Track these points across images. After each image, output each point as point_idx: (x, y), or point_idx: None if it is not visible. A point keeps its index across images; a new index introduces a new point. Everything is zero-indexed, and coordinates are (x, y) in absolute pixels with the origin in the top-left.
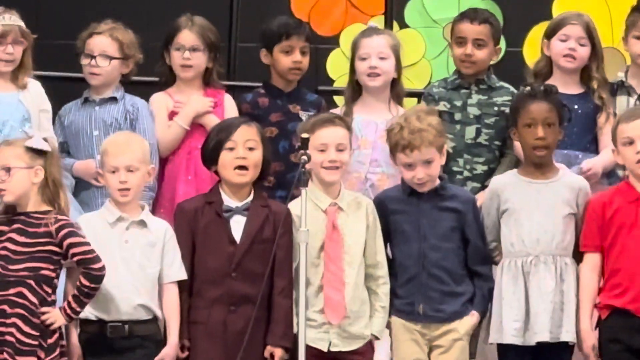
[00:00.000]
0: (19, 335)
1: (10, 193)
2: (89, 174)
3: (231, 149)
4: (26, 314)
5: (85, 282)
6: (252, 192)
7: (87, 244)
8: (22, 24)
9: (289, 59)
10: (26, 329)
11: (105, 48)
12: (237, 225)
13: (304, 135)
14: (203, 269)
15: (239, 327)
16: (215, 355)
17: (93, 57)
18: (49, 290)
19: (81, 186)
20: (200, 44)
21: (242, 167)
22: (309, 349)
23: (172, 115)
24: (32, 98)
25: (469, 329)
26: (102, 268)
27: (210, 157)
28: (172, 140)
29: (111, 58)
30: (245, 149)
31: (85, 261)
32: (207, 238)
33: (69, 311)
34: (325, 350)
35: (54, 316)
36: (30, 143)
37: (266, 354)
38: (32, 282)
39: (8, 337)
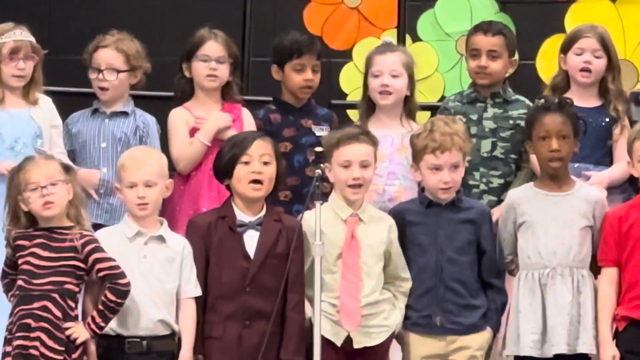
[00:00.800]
0: (43, 350)
1: (57, 206)
2: (90, 184)
3: (246, 162)
4: (51, 328)
5: (112, 297)
6: (265, 206)
7: (113, 259)
8: (32, 39)
9: (300, 77)
10: (50, 343)
11: (111, 61)
12: (251, 240)
13: (318, 149)
14: (217, 284)
15: (254, 342)
16: None
17: (100, 71)
18: (72, 305)
19: None
20: (226, 55)
21: (257, 182)
22: (324, 347)
23: (192, 131)
24: (43, 114)
25: (483, 344)
26: (128, 284)
27: (224, 170)
28: (194, 157)
29: (118, 71)
30: (260, 163)
31: (112, 276)
32: (221, 253)
33: (93, 326)
34: (339, 344)
35: (79, 331)
36: (63, 160)
37: None
38: (56, 295)
39: (32, 351)
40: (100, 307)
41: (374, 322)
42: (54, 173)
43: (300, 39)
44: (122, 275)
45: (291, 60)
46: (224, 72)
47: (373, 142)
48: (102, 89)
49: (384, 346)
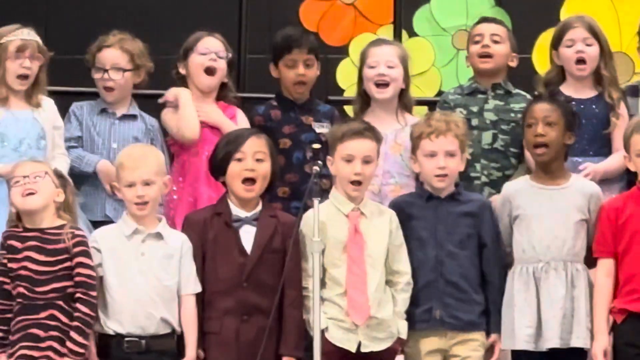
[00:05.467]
0: (56, 357)
1: (39, 197)
2: (108, 179)
3: (240, 159)
4: (61, 335)
5: (86, 310)
6: (260, 202)
7: (94, 270)
8: (39, 40)
9: (292, 72)
10: (63, 350)
11: (116, 60)
12: (247, 236)
13: (316, 146)
14: (214, 280)
15: (251, 337)
16: None
17: (105, 70)
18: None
19: (84, 192)
20: (224, 53)
21: (249, 180)
22: (333, 350)
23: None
24: (46, 115)
25: (484, 343)
26: (96, 297)
27: (218, 167)
28: (194, 120)
29: (124, 70)
30: (253, 160)
31: (88, 286)
32: (217, 249)
33: (75, 347)
34: (354, 351)
35: None
36: (55, 165)
37: None
38: (61, 302)
39: None
40: (77, 324)
41: (382, 328)
42: (40, 168)
43: (291, 33)
44: (95, 288)
45: (283, 56)
46: (223, 67)
47: (377, 138)
48: (107, 88)
49: (390, 352)
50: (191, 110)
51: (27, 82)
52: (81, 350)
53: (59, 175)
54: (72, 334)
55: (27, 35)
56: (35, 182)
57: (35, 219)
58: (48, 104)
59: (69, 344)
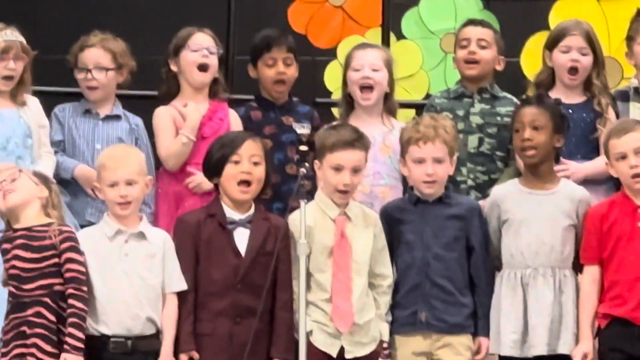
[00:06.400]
0: (41, 355)
1: (17, 195)
2: (89, 183)
3: (236, 162)
4: (46, 332)
5: (80, 305)
6: (253, 205)
7: (84, 265)
8: (23, 39)
9: (272, 70)
10: (47, 347)
11: (99, 60)
12: (241, 238)
13: (303, 148)
14: (207, 281)
15: (244, 339)
16: None
17: (88, 70)
18: (64, 306)
19: (71, 194)
20: (215, 49)
21: (245, 182)
22: (317, 352)
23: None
24: (32, 114)
25: (470, 346)
26: (87, 292)
27: (213, 169)
28: (183, 154)
29: (106, 69)
30: (250, 163)
31: (79, 281)
32: (211, 250)
33: (76, 343)
34: (335, 355)
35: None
36: (41, 164)
37: None
38: (48, 300)
39: (29, 358)
40: (74, 319)
41: (365, 333)
42: (13, 169)
43: (269, 33)
44: (85, 283)
45: (262, 55)
46: (215, 63)
47: (366, 146)
48: (90, 88)
49: (373, 355)
50: (187, 149)
51: (12, 82)
52: (82, 345)
53: (39, 175)
54: (71, 329)
55: (11, 35)
56: (13, 182)
57: (20, 218)
58: (33, 103)
59: (69, 339)
